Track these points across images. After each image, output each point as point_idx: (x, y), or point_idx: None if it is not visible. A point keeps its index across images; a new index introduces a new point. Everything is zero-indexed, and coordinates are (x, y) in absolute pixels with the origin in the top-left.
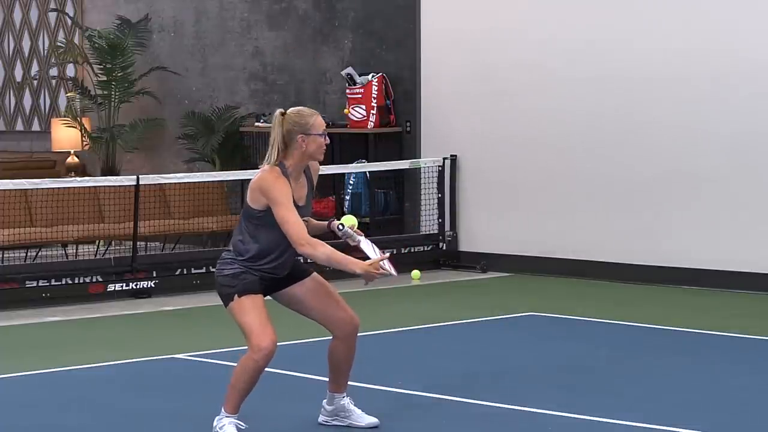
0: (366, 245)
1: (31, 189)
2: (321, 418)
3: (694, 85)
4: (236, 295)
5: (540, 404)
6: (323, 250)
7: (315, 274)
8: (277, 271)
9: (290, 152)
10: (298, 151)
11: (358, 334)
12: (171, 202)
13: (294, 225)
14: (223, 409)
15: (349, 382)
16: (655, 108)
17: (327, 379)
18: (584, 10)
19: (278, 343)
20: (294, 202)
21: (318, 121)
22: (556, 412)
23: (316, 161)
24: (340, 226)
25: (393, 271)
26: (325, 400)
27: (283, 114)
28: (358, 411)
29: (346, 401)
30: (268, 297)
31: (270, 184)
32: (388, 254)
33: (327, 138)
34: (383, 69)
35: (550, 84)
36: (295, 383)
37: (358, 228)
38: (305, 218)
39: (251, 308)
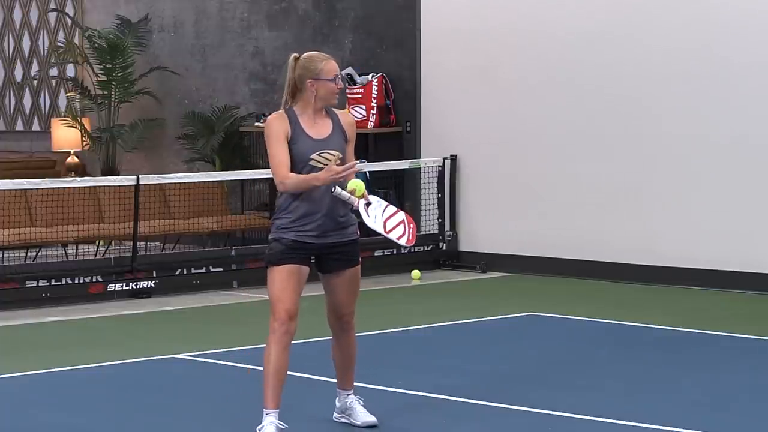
0: (366, 214)
1: (31, 189)
2: (334, 415)
3: (695, 85)
4: (267, 267)
5: (540, 404)
6: (291, 182)
7: (358, 267)
8: (309, 221)
9: (301, 96)
10: (309, 95)
11: (357, 334)
12: (171, 202)
13: (274, 161)
14: (263, 409)
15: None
16: (656, 108)
17: (322, 379)
18: (584, 10)
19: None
20: (306, 135)
21: (328, 66)
22: (556, 412)
23: (349, 115)
24: (333, 189)
25: (402, 241)
26: (337, 397)
27: (296, 59)
28: (360, 410)
29: (351, 399)
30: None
31: (267, 125)
32: (395, 224)
33: (340, 82)
34: (383, 69)
35: (550, 84)
36: (299, 384)
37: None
38: (324, 151)
39: (271, 281)
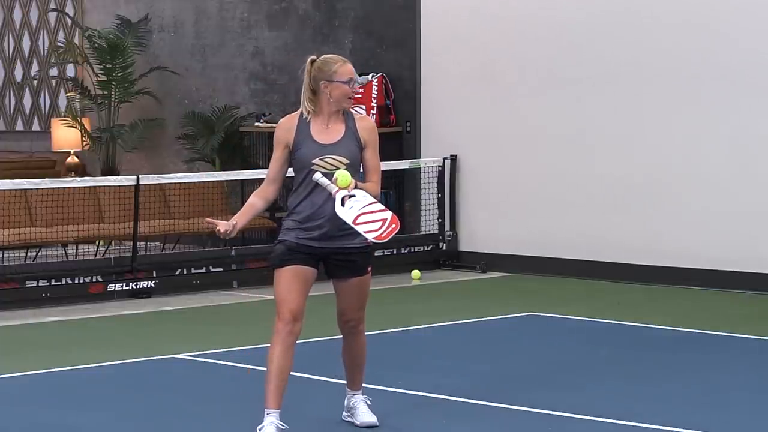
0: (341, 203)
1: (31, 189)
2: (342, 414)
3: (695, 85)
4: (273, 270)
5: (540, 404)
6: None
7: (366, 277)
8: (312, 225)
9: (318, 99)
10: (323, 98)
11: None
12: (171, 202)
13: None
14: (264, 409)
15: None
16: (656, 108)
17: (322, 379)
18: (584, 10)
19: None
20: (312, 139)
21: (342, 69)
22: (556, 412)
23: (368, 120)
24: (317, 176)
25: (369, 235)
26: (346, 397)
27: (312, 61)
28: (363, 410)
29: (356, 399)
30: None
31: (276, 129)
32: (372, 219)
33: (355, 85)
34: (383, 69)
35: (550, 84)
36: (299, 384)
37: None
38: (328, 156)
39: (276, 282)
